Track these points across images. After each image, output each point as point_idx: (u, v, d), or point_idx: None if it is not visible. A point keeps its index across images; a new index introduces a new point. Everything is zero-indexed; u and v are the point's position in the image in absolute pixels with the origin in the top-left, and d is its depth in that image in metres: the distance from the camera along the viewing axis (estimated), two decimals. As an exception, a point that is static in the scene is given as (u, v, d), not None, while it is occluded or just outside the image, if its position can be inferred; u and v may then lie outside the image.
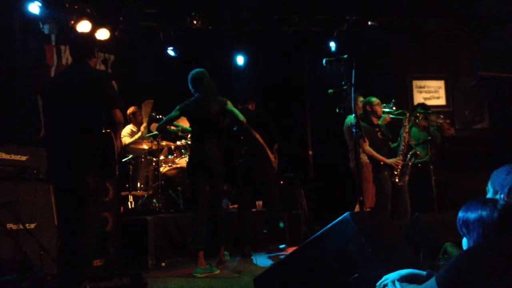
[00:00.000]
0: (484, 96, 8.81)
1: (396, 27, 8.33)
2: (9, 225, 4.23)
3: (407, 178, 5.72)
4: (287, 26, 8.21)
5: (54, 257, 4.39)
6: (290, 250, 5.76)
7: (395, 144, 5.90)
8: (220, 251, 5.25)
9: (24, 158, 4.51)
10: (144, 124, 6.64)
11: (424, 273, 2.29)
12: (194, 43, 8.27)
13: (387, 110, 5.99)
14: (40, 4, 6.66)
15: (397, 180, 5.63)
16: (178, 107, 5.24)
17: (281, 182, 7.28)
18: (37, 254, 4.28)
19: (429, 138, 6.07)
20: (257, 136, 6.01)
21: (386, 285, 2.30)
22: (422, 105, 6.84)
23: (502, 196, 2.45)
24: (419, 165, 6.14)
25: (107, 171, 3.83)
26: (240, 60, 8.69)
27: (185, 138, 6.76)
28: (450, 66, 8.89)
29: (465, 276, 1.82)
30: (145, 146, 6.89)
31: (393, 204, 5.63)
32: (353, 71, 4.40)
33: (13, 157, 4.44)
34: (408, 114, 5.92)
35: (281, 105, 8.33)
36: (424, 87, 8.96)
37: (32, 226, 4.39)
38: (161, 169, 6.61)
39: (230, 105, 5.21)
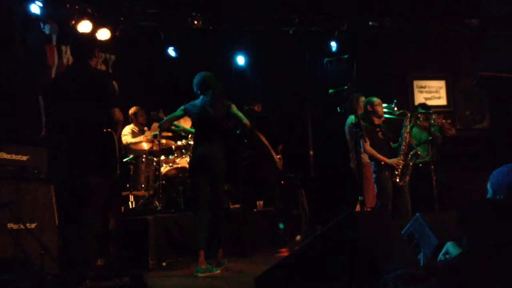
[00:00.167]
0: (485, 96, 8.80)
1: (396, 27, 8.33)
2: (10, 225, 4.23)
3: (407, 178, 5.72)
4: (288, 26, 8.21)
5: (54, 257, 4.40)
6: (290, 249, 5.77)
7: (396, 144, 5.90)
8: (218, 253, 5.25)
9: (24, 158, 4.52)
10: (151, 134, 6.70)
11: (425, 272, 2.29)
12: (194, 43, 8.27)
13: (388, 110, 5.98)
14: (40, 4, 6.66)
15: (397, 180, 5.63)
16: (182, 107, 5.26)
17: (282, 182, 7.29)
18: (38, 254, 4.28)
19: (430, 138, 6.07)
20: (262, 137, 6.03)
21: (386, 284, 2.30)
22: (423, 105, 6.84)
23: (501, 196, 2.45)
24: (420, 165, 6.14)
25: (108, 171, 3.83)
26: (240, 60, 8.68)
27: (186, 138, 6.77)
28: (451, 66, 8.88)
29: (465, 276, 1.82)
30: (145, 146, 6.90)
31: (393, 204, 5.63)
32: (354, 71, 4.41)
33: (13, 157, 4.44)
34: (409, 114, 5.92)
35: (282, 105, 8.33)
36: (425, 87, 8.95)
37: (33, 225, 4.40)
38: (162, 169, 6.61)
39: (234, 108, 5.26)
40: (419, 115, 6.33)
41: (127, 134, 6.95)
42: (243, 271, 5.02)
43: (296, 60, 8.88)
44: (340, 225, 2.92)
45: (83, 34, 5.87)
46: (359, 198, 4.53)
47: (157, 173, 6.50)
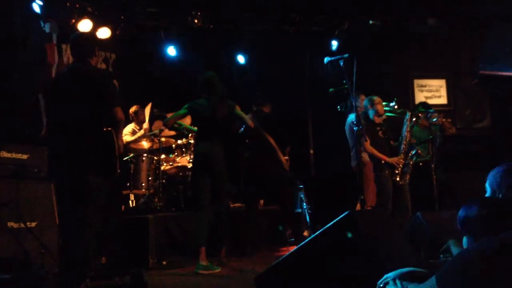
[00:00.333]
0: (485, 95, 8.80)
1: (397, 26, 8.32)
2: (10, 224, 4.23)
3: (408, 177, 5.72)
4: (288, 25, 8.20)
5: (55, 255, 4.39)
6: (291, 249, 5.76)
7: (396, 143, 5.90)
8: (221, 252, 5.25)
9: (25, 156, 4.51)
10: (147, 126, 6.66)
11: (425, 271, 2.29)
12: (195, 42, 8.26)
13: (388, 109, 5.98)
14: (41, 3, 6.65)
15: (398, 179, 5.63)
16: (186, 105, 5.29)
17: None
18: (38, 253, 4.27)
19: (430, 137, 6.07)
20: (269, 138, 6.05)
21: (387, 283, 2.30)
22: (424, 104, 6.84)
23: (500, 195, 2.45)
24: (420, 164, 6.14)
25: (108, 170, 3.82)
26: (241, 59, 8.68)
27: (186, 137, 6.77)
28: (451, 65, 8.87)
29: (465, 275, 1.81)
30: (146, 145, 6.89)
31: (394, 203, 5.63)
32: (354, 70, 4.40)
33: (14, 155, 4.44)
34: (409, 113, 5.92)
35: (282, 104, 8.33)
36: (425, 86, 8.95)
37: (33, 224, 4.40)
38: (162, 167, 6.61)
39: (238, 109, 5.31)
40: (419, 114, 6.33)
41: (127, 134, 6.95)
42: (243, 270, 5.02)
43: (296, 59, 8.87)
44: (340, 224, 2.92)
45: (83, 33, 5.86)
46: (360, 197, 4.53)
47: (157, 172, 6.50)
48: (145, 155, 6.62)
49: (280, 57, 8.52)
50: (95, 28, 7.11)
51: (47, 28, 7.03)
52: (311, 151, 8.99)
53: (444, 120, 6.65)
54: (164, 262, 5.48)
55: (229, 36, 8.29)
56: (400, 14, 8.26)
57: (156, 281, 4.51)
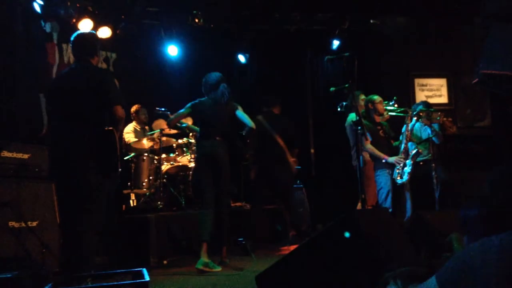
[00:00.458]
0: (486, 94, 8.80)
1: (397, 25, 8.32)
2: (11, 223, 4.23)
3: (408, 176, 5.71)
4: (289, 24, 8.20)
5: (56, 255, 4.40)
6: (292, 248, 5.76)
7: (397, 142, 5.90)
8: (222, 252, 5.26)
9: (26, 156, 4.52)
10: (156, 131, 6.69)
11: (425, 271, 2.29)
12: (195, 42, 8.27)
13: (388, 108, 5.99)
14: (41, 2, 6.66)
15: (398, 178, 5.63)
16: (190, 104, 5.31)
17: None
18: (39, 252, 4.28)
19: (431, 136, 6.07)
20: (279, 139, 6.07)
21: (387, 283, 2.30)
22: (424, 103, 6.83)
23: (500, 195, 2.45)
24: (421, 163, 6.14)
25: (109, 169, 3.83)
26: (242, 58, 8.68)
27: (187, 136, 6.78)
28: (452, 64, 8.87)
29: (465, 276, 1.82)
30: (146, 144, 6.90)
31: (394, 202, 5.63)
32: (355, 69, 4.41)
33: (15, 155, 4.44)
34: (410, 112, 5.91)
35: (283, 104, 8.33)
36: (426, 85, 8.95)
37: (34, 224, 4.40)
38: (163, 167, 6.62)
39: (240, 110, 5.35)
40: (420, 113, 6.33)
41: (129, 133, 6.96)
42: (244, 268, 5.03)
43: (297, 58, 8.88)
44: (340, 224, 2.92)
45: (84, 33, 5.85)
46: (361, 196, 4.53)
47: (158, 171, 6.51)
48: (146, 154, 6.63)
49: (280, 56, 8.52)
50: (96, 28, 7.12)
51: (47, 27, 7.05)
52: (312, 150, 9.00)
53: (444, 119, 6.65)
54: (165, 261, 5.49)
55: (229, 35, 8.30)
56: (401, 13, 8.26)
57: (157, 280, 4.52)
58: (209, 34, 8.16)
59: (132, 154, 6.65)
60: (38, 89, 6.68)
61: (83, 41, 4.05)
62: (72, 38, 4.11)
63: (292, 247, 5.62)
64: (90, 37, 4.23)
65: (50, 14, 6.96)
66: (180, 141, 6.95)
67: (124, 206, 6.48)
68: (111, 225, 5.34)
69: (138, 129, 7.11)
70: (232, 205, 7.21)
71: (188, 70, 8.12)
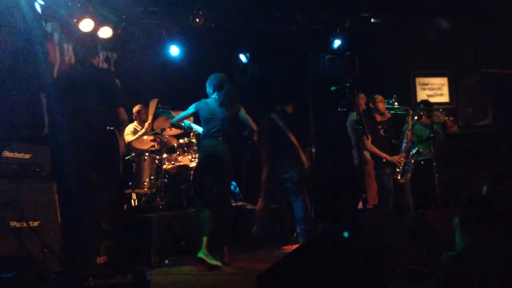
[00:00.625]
0: (488, 93, 8.79)
1: (399, 24, 8.31)
2: (13, 223, 4.23)
3: (409, 175, 5.71)
4: (290, 23, 8.20)
5: (57, 254, 4.40)
6: (293, 247, 5.77)
7: (397, 142, 5.90)
8: (223, 251, 5.26)
9: (27, 156, 4.52)
10: (149, 121, 6.65)
11: (426, 270, 2.29)
12: (197, 41, 8.27)
13: (388, 106, 5.98)
14: (42, 2, 6.66)
15: (399, 177, 5.63)
16: (194, 104, 5.37)
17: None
18: (41, 252, 4.28)
19: (432, 135, 6.07)
20: (292, 138, 6.07)
21: (388, 281, 2.30)
22: (425, 102, 6.84)
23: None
24: (422, 162, 6.14)
25: (111, 169, 3.84)
26: (243, 58, 8.69)
27: (188, 136, 6.78)
28: (453, 63, 8.87)
29: (460, 276, 1.82)
30: (147, 144, 6.90)
31: (395, 201, 5.63)
32: (356, 68, 4.41)
33: (16, 155, 4.45)
34: (411, 111, 5.91)
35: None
36: (427, 84, 8.95)
37: (36, 224, 4.40)
38: (164, 166, 6.62)
39: (243, 111, 5.40)
40: (421, 113, 6.33)
41: (129, 133, 6.96)
42: (245, 267, 5.03)
43: (298, 57, 8.87)
44: (342, 223, 2.92)
45: (85, 33, 5.87)
46: (362, 195, 4.54)
47: (159, 171, 6.51)
48: (147, 154, 6.63)
49: (282, 56, 8.52)
50: (96, 28, 7.12)
51: (48, 27, 7.05)
52: (313, 150, 8.99)
53: (446, 118, 6.65)
54: (167, 261, 5.49)
55: (231, 35, 8.30)
56: (402, 12, 8.25)
57: (159, 280, 4.52)
58: (210, 34, 8.16)
59: (133, 154, 6.65)
60: (39, 89, 6.68)
61: (84, 41, 4.07)
62: (73, 39, 4.13)
63: (294, 247, 5.64)
64: (91, 37, 4.24)
65: (51, 14, 6.96)
66: (181, 140, 6.95)
67: (125, 205, 6.47)
68: (113, 224, 5.34)
69: (139, 130, 7.11)
70: (234, 204, 7.22)
71: (189, 70, 8.12)
